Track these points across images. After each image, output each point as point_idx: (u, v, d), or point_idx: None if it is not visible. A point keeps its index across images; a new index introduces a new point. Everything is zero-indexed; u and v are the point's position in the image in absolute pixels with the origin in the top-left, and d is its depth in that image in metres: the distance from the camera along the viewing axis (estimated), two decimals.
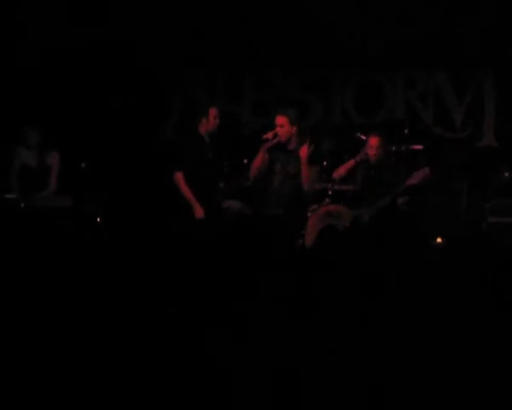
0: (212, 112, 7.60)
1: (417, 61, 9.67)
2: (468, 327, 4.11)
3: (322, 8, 9.37)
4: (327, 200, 7.95)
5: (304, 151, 7.18)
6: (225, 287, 4.70)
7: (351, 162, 7.87)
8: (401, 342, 3.87)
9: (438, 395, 3.41)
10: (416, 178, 7.59)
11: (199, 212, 7.23)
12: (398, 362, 3.67)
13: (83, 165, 8.69)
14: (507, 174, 9.00)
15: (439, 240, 7.90)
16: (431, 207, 9.01)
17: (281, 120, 7.21)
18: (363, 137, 8.36)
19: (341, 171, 7.93)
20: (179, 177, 7.40)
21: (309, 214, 7.69)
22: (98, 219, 7.94)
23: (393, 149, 8.16)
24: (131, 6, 9.55)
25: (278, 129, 7.19)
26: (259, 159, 7.24)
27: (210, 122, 7.56)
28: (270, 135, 7.19)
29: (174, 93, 10.35)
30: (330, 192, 7.98)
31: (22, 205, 7.57)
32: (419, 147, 8.71)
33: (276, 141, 7.21)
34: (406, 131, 8.98)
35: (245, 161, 8.47)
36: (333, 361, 3.60)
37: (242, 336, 3.88)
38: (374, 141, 7.75)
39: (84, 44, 9.58)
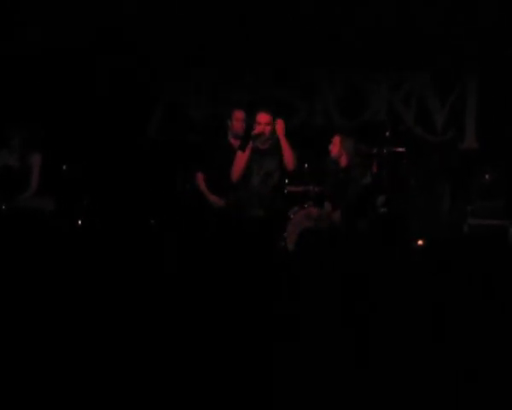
0: (237, 115, 7.54)
1: (401, 63, 9.70)
2: (450, 327, 4.13)
3: (306, 9, 9.37)
4: (309, 202, 7.94)
5: (280, 126, 7.09)
6: (209, 288, 4.71)
7: None
8: (382, 343, 3.88)
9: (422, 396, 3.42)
10: (375, 167, 7.62)
11: (218, 202, 7.29)
12: (381, 360, 3.67)
13: (64, 167, 8.66)
14: (488, 177, 9.03)
15: (420, 242, 7.92)
16: (413, 209, 9.03)
17: (266, 118, 7.12)
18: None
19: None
20: (199, 178, 7.51)
21: (291, 216, 7.69)
22: (79, 222, 7.92)
23: (375, 151, 8.16)
24: (118, 7, 9.53)
25: (263, 127, 7.08)
26: (244, 160, 7.12)
27: (234, 125, 7.50)
28: (257, 131, 7.08)
29: (158, 94, 10.33)
30: (312, 195, 7.96)
31: (3, 207, 7.54)
32: (401, 149, 8.73)
33: (262, 139, 7.11)
34: (388, 133, 8.99)
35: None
36: (316, 363, 3.61)
37: (229, 337, 3.88)
38: (335, 139, 7.77)
39: (66, 45, 9.55)
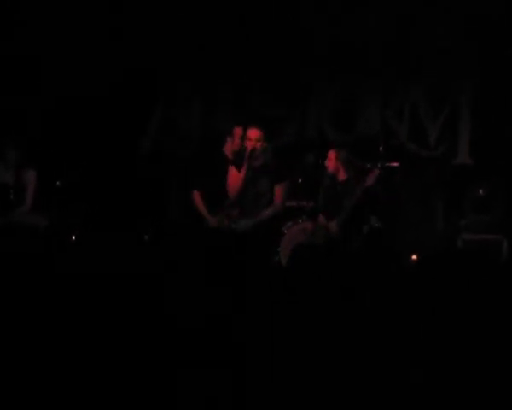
0: (237, 131, 7.41)
1: (394, 78, 9.73)
2: (443, 341, 4.13)
3: (298, 24, 9.40)
4: (302, 217, 7.96)
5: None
6: (204, 302, 4.71)
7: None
8: (376, 356, 3.88)
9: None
10: (370, 179, 7.61)
11: (212, 222, 7.12)
12: (374, 373, 3.68)
13: (58, 183, 8.66)
14: (481, 191, 9.06)
15: (414, 257, 7.93)
16: (406, 224, 9.05)
17: (256, 134, 7.01)
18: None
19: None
20: (195, 195, 7.34)
21: (284, 231, 7.70)
22: (73, 237, 7.92)
23: (368, 166, 8.18)
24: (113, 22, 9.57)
25: (254, 143, 6.98)
26: (240, 178, 6.99)
27: (235, 142, 7.30)
28: (249, 147, 6.97)
29: (151, 109, 10.34)
30: (306, 209, 7.98)
31: None
32: (395, 164, 8.75)
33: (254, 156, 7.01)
34: (381, 148, 9.01)
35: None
36: (311, 377, 3.61)
37: (223, 350, 3.88)
38: (331, 154, 7.81)
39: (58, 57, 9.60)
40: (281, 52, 9.63)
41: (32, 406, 3.35)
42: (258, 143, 6.88)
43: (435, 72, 9.61)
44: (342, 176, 7.70)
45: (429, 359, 3.90)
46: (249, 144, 6.86)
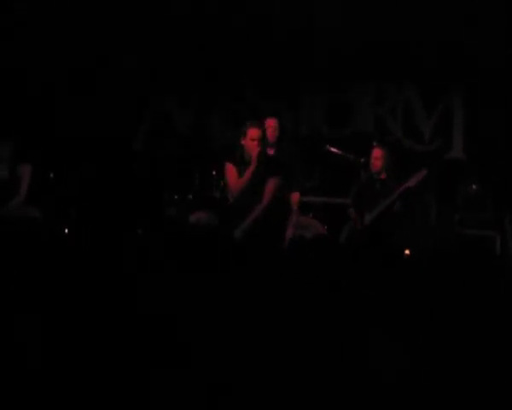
0: (269, 122, 7.37)
1: (387, 74, 9.73)
2: (437, 336, 4.13)
3: (292, 20, 9.40)
4: (311, 214, 8.06)
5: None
6: (202, 295, 4.69)
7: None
8: (368, 351, 3.88)
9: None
10: (413, 180, 7.66)
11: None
12: (367, 369, 3.68)
13: (51, 175, 8.65)
14: (475, 187, 9.07)
15: (407, 252, 7.93)
16: (399, 219, 9.06)
17: (260, 133, 6.81)
18: (333, 150, 8.42)
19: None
20: (229, 167, 6.91)
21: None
22: (66, 230, 7.90)
23: (362, 160, 8.20)
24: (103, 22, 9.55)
25: (258, 143, 6.84)
26: (246, 177, 6.77)
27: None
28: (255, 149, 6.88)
29: (145, 105, 10.34)
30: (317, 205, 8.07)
31: None
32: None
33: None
34: (375, 143, 9.02)
35: (214, 173, 8.44)
36: (305, 377, 3.61)
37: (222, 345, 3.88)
38: (377, 152, 7.84)
39: (51, 55, 9.58)
40: (275, 51, 9.63)
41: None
42: (261, 143, 6.73)
43: (428, 70, 9.62)
44: (383, 174, 7.78)
45: (424, 353, 3.90)
46: (253, 145, 6.71)
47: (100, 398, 3.39)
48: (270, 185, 6.78)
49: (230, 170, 6.85)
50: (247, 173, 6.75)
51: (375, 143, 8.34)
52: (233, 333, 4.03)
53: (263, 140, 6.77)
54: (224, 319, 4.18)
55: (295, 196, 7.52)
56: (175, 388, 3.47)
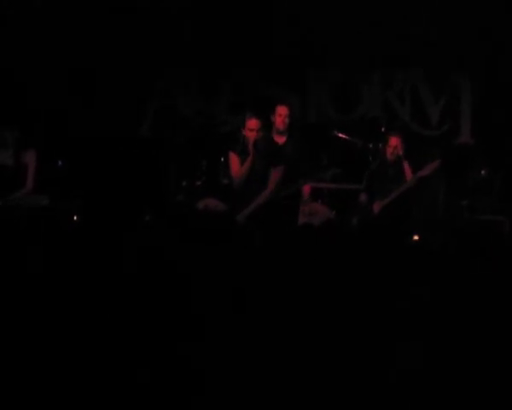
0: (280, 110, 7.35)
1: (394, 60, 9.70)
2: (445, 323, 4.12)
3: (297, 7, 9.37)
4: (319, 201, 8.06)
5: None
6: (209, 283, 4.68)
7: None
8: (377, 341, 3.87)
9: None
10: (427, 169, 7.70)
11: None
12: (375, 360, 3.67)
13: (59, 163, 8.65)
14: (483, 172, 9.04)
15: (416, 237, 7.92)
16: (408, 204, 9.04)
17: (258, 123, 6.97)
18: (341, 135, 8.41)
19: None
20: (232, 157, 7.16)
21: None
22: (75, 217, 7.90)
23: (370, 145, 8.19)
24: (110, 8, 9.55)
25: (255, 133, 6.91)
26: (247, 165, 6.97)
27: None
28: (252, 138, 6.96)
29: (150, 92, 10.32)
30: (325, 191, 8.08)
31: None
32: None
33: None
34: (383, 128, 9.00)
35: (221, 160, 8.44)
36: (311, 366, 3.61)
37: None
38: (394, 141, 7.85)
39: (60, 46, 9.58)
40: (280, 38, 9.60)
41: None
42: (260, 133, 6.91)
43: (435, 56, 9.58)
44: (396, 162, 7.79)
45: (431, 341, 3.89)
46: (251, 135, 6.89)
47: (100, 389, 3.39)
48: (275, 174, 6.88)
49: (233, 159, 7.00)
50: (246, 163, 6.86)
51: (389, 132, 8.32)
52: (239, 320, 4.03)
53: (262, 130, 6.90)
54: (231, 306, 4.18)
55: (306, 188, 7.55)
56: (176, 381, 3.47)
